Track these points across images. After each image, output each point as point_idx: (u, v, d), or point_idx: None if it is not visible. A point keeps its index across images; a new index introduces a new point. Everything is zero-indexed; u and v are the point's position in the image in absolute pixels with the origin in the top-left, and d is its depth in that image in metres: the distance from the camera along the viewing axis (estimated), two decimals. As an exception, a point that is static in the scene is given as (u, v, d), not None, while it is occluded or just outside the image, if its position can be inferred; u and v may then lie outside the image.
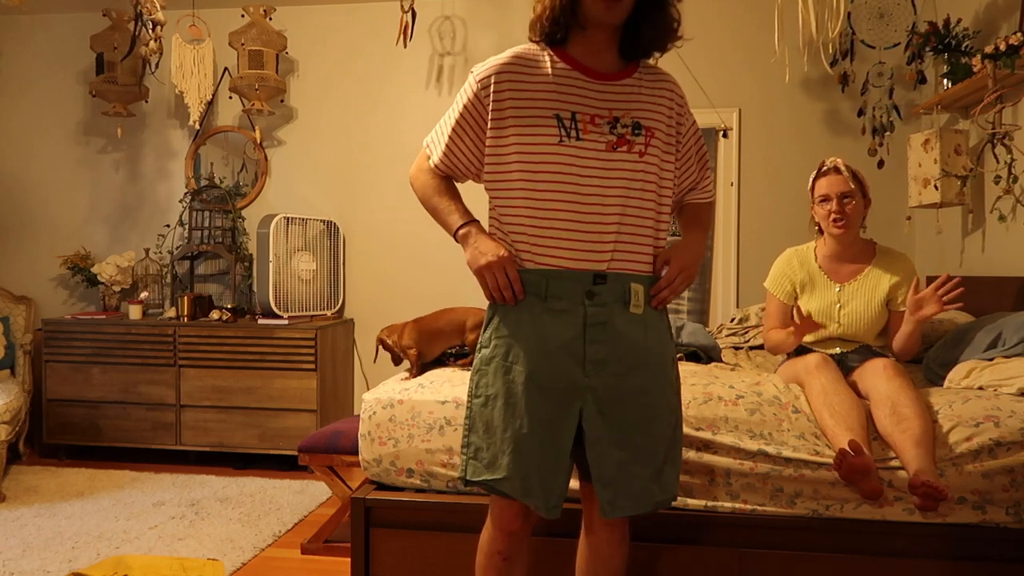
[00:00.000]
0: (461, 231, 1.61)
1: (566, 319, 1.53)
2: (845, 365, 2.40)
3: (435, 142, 1.68)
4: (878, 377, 2.13)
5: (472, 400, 1.62)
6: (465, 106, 1.61)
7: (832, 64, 3.77)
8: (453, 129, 1.63)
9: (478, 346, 1.63)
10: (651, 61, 1.66)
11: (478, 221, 1.64)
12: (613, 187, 1.54)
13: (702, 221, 1.78)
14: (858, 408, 2.05)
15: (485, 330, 1.62)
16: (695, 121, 1.71)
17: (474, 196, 1.76)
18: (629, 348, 1.55)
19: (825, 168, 2.45)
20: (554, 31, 1.56)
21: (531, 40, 1.62)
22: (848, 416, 2.01)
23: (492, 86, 1.56)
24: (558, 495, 1.56)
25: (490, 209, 1.64)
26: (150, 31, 3.58)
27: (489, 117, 1.57)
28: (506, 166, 1.57)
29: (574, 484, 1.63)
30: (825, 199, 2.43)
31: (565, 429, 1.55)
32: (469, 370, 1.90)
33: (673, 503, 1.66)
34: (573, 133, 1.53)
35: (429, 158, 1.70)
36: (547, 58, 1.58)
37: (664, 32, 1.58)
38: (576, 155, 1.53)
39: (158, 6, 3.51)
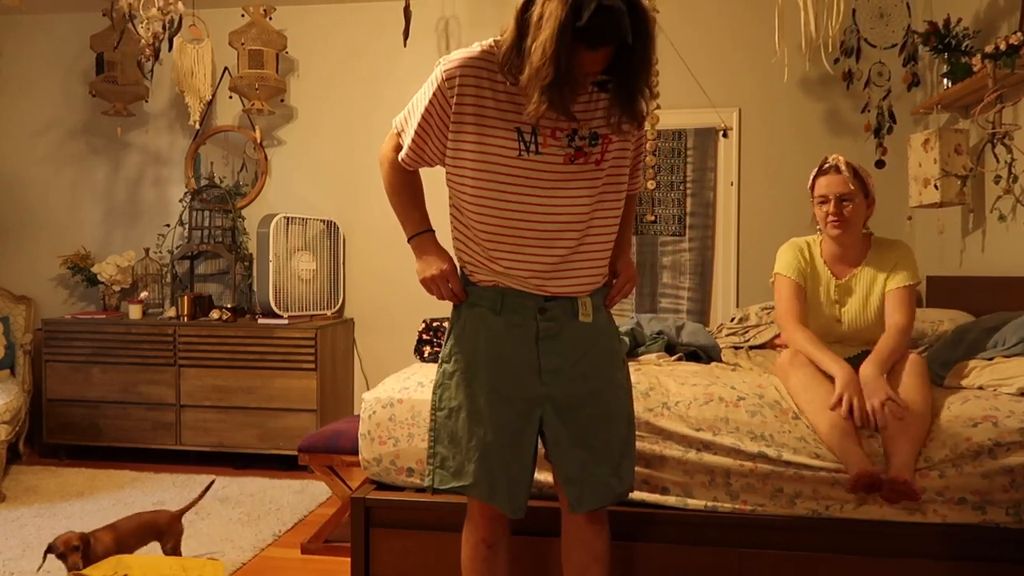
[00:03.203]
0: (413, 240, 1.71)
1: (520, 333, 1.62)
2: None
3: (404, 132, 1.68)
4: (903, 373, 2.11)
5: (436, 413, 1.71)
6: (431, 100, 1.59)
7: (835, 62, 3.77)
8: (420, 125, 1.62)
9: (439, 361, 1.72)
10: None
11: (432, 231, 1.72)
12: (570, 200, 1.57)
13: (631, 218, 1.82)
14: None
15: (445, 344, 1.71)
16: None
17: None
18: (581, 355, 1.64)
19: (826, 166, 2.37)
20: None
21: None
22: (830, 413, 2.01)
23: (457, 80, 1.54)
24: (523, 497, 1.67)
25: (449, 202, 1.67)
26: (138, 30, 3.56)
27: (452, 111, 1.56)
28: (462, 170, 1.59)
29: (550, 478, 1.66)
30: (823, 200, 2.36)
31: (527, 436, 1.65)
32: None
33: (630, 495, 1.81)
34: (533, 147, 1.54)
35: (399, 144, 1.70)
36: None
37: (626, 118, 1.53)
38: (534, 169, 1.55)
39: (155, 3, 3.49)
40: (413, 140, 1.63)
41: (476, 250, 1.63)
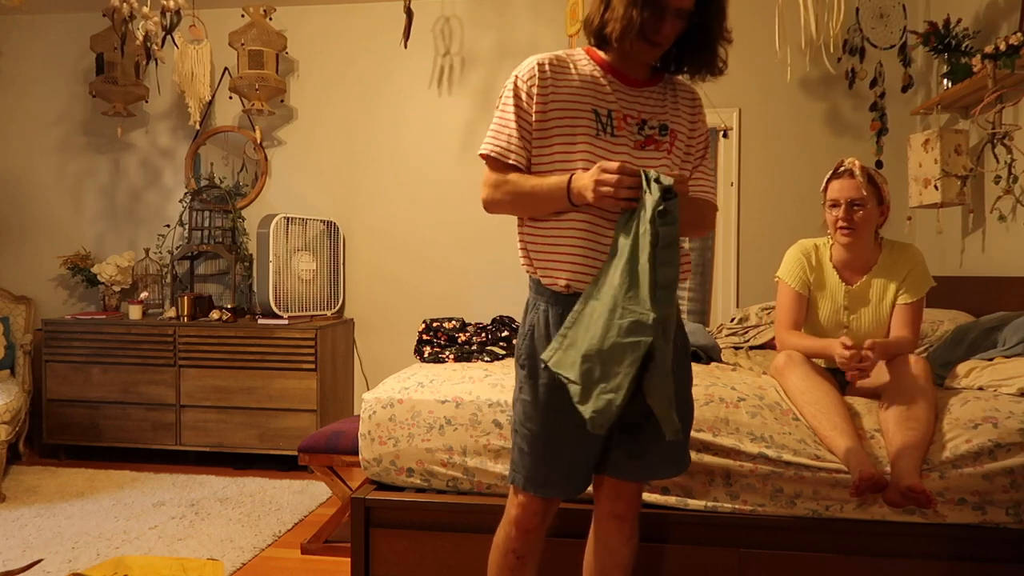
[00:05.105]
0: (571, 181, 1.56)
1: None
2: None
3: (505, 147, 1.62)
4: (907, 375, 2.09)
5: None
6: (514, 102, 1.61)
7: (838, 61, 3.77)
8: (517, 125, 1.61)
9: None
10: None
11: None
12: None
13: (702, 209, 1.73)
14: (836, 402, 2.06)
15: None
16: (706, 123, 1.76)
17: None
18: None
19: (840, 170, 2.32)
20: (606, 39, 1.61)
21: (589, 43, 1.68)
22: (830, 414, 2.02)
23: (537, 74, 1.61)
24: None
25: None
26: (135, 32, 3.56)
27: (535, 105, 1.60)
28: (549, 156, 1.61)
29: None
30: (835, 204, 2.31)
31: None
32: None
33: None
34: (609, 129, 1.60)
35: (499, 165, 1.64)
36: (582, 60, 1.64)
37: (705, 69, 1.66)
38: (609, 150, 1.59)
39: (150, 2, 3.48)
40: (519, 142, 1.62)
41: (544, 248, 1.61)
